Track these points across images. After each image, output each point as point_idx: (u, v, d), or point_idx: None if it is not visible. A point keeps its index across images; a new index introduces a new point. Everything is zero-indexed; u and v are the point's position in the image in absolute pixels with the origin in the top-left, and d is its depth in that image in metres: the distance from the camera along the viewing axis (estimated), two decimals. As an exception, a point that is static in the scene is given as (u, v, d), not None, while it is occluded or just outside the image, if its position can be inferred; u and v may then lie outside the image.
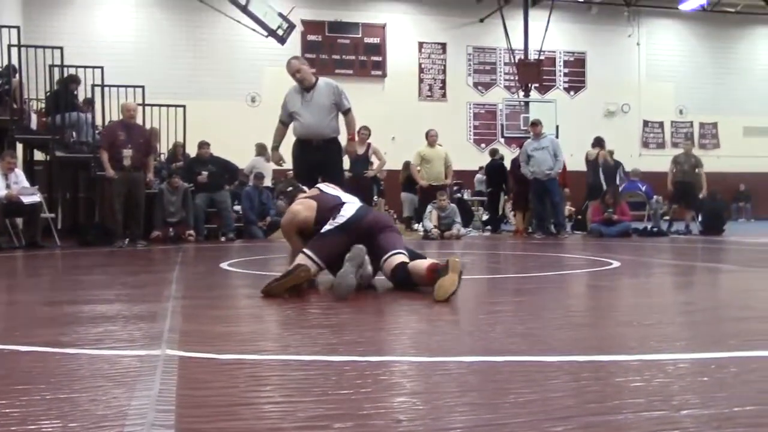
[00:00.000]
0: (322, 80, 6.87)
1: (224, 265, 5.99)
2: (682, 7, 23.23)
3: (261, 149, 13.31)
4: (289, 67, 6.69)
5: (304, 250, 4.15)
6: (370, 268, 4.04)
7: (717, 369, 2.05)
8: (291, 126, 6.88)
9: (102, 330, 2.78)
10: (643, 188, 13.03)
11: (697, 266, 6.14)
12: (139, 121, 10.24)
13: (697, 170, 12.78)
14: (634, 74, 23.79)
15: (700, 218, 12.90)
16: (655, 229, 12.03)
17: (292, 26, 13.43)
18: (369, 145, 11.17)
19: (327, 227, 4.17)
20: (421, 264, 3.88)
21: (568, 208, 13.99)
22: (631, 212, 12.01)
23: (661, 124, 24.10)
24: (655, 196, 13.06)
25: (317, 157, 6.62)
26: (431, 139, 12.03)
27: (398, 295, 3.85)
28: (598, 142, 13.10)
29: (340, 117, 6.87)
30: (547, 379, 1.93)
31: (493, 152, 15.51)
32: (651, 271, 5.71)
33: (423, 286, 3.78)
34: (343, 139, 7.01)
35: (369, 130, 11.18)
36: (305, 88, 6.67)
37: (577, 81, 23.42)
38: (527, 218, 12.42)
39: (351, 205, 4.31)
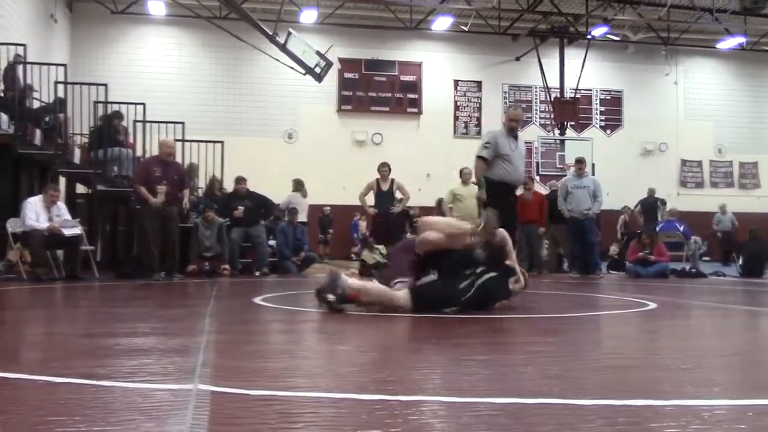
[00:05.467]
0: (519, 134, 7.51)
1: (258, 300, 6.02)
2: (720, 45, 23.08)
3: (297, 185, 13.44)
4: (517, 114, 7.23)
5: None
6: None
7: (755, 416, 2.00)
8: (475, 166, 7.49)
9: (136, 363, 2.81)
10: (681, 228, 12.85)
11: (737, 309, 6.02)
12: (178, 156, 10.41)
13: None
14: (672, 113, 23.62)
15: (740, 260, 12.65)
16: (693, 270, 11.82)
17: (329, 64, 13.61)
18: (392, 180, 11.25)
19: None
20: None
21: (612, 248, 13.82)
22: (669, 252, 11.83)
23: (699, 164, 23.83)
24: (693, 237, 12.86)
25: (512, 201, 7.24)
26: (465, 176, 12.03)
27: (430, 332, 3.83)
28: None
29: None
30: (579, 423, 1.90)
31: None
32: (688, 314, 5.61)
33: None
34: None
35: (389, 166, 11.28)
36: (514, 135, 7.16)
37: (613, 119, 23.32)
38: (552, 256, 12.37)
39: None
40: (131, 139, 11.61)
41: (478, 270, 4.88)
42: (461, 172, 12.13)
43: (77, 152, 11.83)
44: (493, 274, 4.90)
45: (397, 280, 4.91)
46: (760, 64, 24.08)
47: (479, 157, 7.34)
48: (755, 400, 2.21)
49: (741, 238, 15.70)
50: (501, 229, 5.28)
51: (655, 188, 16.56)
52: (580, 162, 11.79)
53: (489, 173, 7.20)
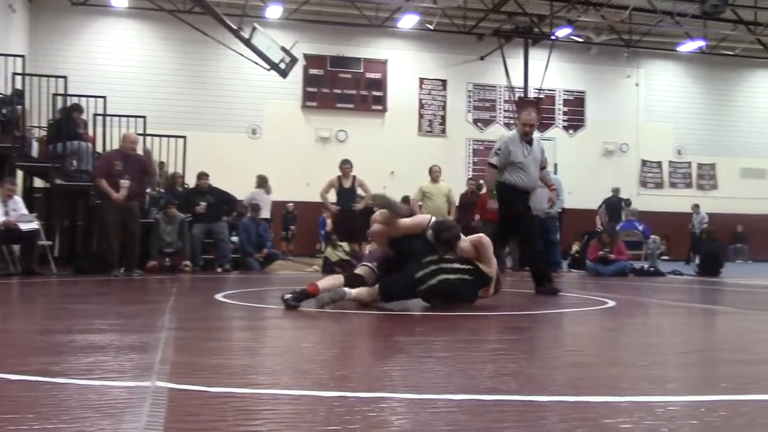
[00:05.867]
0: (535, 135, 7.21)
1: (219, 297, 5.97)
2: (681, 49, 23.49)
3: (261, 181, 13.35)
4: (530, 119, 7.02)
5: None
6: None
7: (707, 412, 2.05)
8: (486, 173, 7.42)
9: (93, 360, 2.77)
10: (641, 228, 13.05)
11: (693, 307, 6.13)
12: (139, 151, 10.27)
13: None
14: (633, 114, 23.97)
15: (697, 259, 12.89)
16: (651, 269, 12.02)
17: (294, 60, 13.54)
18: (354, 177, 11.22)
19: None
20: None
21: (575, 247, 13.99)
22: (628, 251, 12.01)
23: (659, 164, 24.22)
24: (652, 236, 13.08)
25: (527, 206, 6.99)
26: (434, 174, 12.07)
27: (391, 330, 3.84)
28: None
29: None
30: (536, 419, 1.93)
31: (479, 188, 15.56)
32: (646, 312, 5.70)
33: None
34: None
35: (351, 164, 11.25)
36: (528, 140, 6.92)
37: (576, 120, 23.59)
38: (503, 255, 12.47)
39: None
40: (91, 133, 11.43)
41: (446, 265, 4.94)
42: (430, 170, 12.17)
43: (35, 145, 11.60)
44: (466, 276, 4.97)
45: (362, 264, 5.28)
46: (719, 67, 24.55)
47: (490, 164, 7.19)
48: (707, 396, 2.26)
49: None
50: (483, 236, 5.38)
51: (620, 188, 16.83)
52: None
53: (502, 178, 7.03)
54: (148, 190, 9.75)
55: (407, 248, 5.13)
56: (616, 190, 16.44)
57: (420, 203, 12.07)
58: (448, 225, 5.42)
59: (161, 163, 12.45)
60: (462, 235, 5.28)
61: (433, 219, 5.37)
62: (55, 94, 10.76)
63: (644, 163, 24.04)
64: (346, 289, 4.82)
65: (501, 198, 7.15)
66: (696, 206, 20.95)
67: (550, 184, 7.55)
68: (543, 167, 7.15)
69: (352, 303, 4.81)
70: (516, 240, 11.55)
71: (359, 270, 5.24)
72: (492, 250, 5.33)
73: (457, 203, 12.42)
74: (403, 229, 5.23)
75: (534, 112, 7.44)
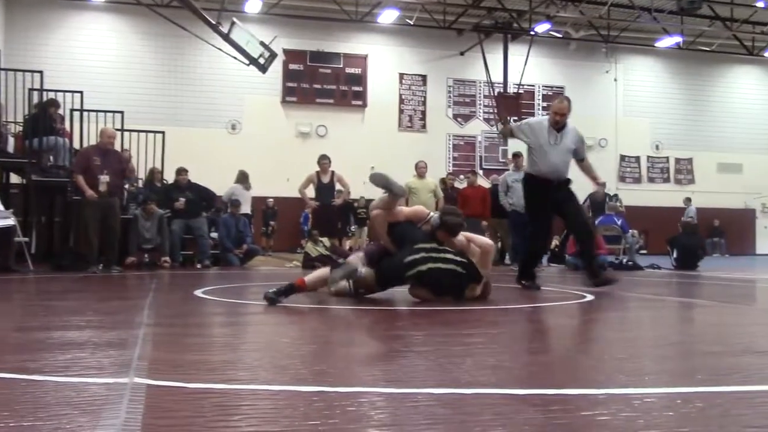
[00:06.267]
0: (571, 125, 6.96)
1: (198, 293, 5.94)
2: (659, 44, 23.70)
3: (242, 177, 13.30)
4: (562, 107, 6.66)
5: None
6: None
7: (682, 403, 2.07)
8: (512, 161, 7.08)
9: (70, 357, 2.75)
10: (619, 222, 13.14)
11: (671, 301, 6.19)
12: (117, 146, 10.20)
13: None
14: (612, 109, 24.14)
15: (675, 254, 13.02)
16: (630, 263, 12.12)
17: (273, 55, 13.47)
18: (333, 173, 11.20)
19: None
20: None
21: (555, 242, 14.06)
22: (606, 246, 12.10)
23: (637, 159, 24.43)
24: (630, 230, 13.18)
25: (557, 196, 6.65)
26: (420, 170, 12.08)
27: (371, 324, 3.85)
28: None
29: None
30: (514, 413, 1.94)
31: (471, 183, 15.61)
32: (624, 305, 5.75)
33: None
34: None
35: (329, 159, 11.22)
36: (558, 128, 6.71)
37: (555, 115, 23.67)
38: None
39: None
40: (68, 129, 11.31)
41: (438, 254, 4.97)
42: (416, 165, 12.17)
43: (11, 141, 11.45)
44: (458, 269, 4.97)
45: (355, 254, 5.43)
46: (696, 63, 24.79)
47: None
48: (683, 388, 2.29)
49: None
50: (491, 243, 5.43)
51: (605, 182, 16.91)
52: (517, 156, 11.98)
53: (527, 168, 6.91)
54: (126, 186, 9.70)
55: (402, 234, 5.19)
56: (602, 184, 16.53)
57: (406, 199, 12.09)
58: (456, 211, 5.48)
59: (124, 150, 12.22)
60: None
61: (433, 215, 5.45)
62: (31, 89, 10.64)
63: (623, 158, 24.23)
64: (359, 266, 4.90)
65: (524, 192, 7.04)
66: (688, 200, 21.20)
67: (595, 176, 7.26)
68: (581, 159, 6.94)
69: (333, 297, 4.80)
70: (515, 233, 11.63)
71: (350, 259, 5.24)
72: (492, 254, 5.39)
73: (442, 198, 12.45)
74: (402, 215, 5.27)
75: (566, 101, 6.96)
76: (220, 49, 13.68)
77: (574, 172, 6.97)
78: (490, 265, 5.34)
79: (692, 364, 2.92)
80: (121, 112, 11.19)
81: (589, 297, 5.88)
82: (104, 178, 8.92)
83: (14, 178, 12.47)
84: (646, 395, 2.18)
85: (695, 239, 12.92)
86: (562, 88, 23.68)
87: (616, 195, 17.86)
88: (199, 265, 10.85)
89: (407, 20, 21.81)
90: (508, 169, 12.19)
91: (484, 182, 16.60)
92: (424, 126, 22.57)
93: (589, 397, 2.14)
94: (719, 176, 24.71)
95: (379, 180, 5.26)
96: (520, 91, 22.41)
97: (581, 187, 7.49)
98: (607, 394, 2.17)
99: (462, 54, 22.69)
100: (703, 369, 2.74)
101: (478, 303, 5.13)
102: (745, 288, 8.39)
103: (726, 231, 23.75)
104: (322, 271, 5.11)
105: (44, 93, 10.78)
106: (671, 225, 16.34)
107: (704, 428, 1.80)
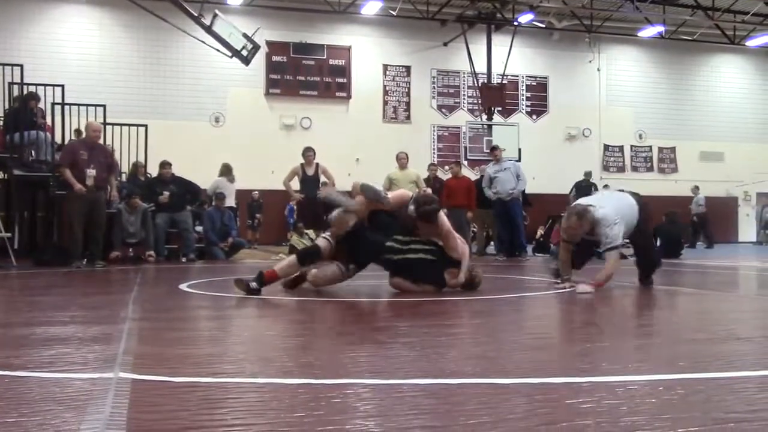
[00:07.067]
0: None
1: (183, 287, 5.93)
2: (641, 34, 23.78)
3: (225, 169, 13.24)
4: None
5: None
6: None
7: (665, 390, 2.09)
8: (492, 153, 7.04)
9: (54, 352, 2.74)
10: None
11: (654, 288, 6.24)
12: (100, 140, 10.12)
13: None
14: (595, 99, 24.21)
15: (658, 242, 13.09)
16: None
17: (256, 47, 13.40)
18: (318, 165, 11.18)
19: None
20: None
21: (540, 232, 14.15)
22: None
23: (621, 149, 24.52)
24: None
25: None
26: (401, 162, 12.06)
27: (356, 316, 3.85)
28: None
29: None
30: (499, 402, 1.95)
31: (456, 174, 15.64)
32: (608, 294, 5.78)
33: None
34: None
35: (314, 151, 11.20)
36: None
37: (539, 105, 23.75)
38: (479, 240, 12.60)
39: None
40: (49, 123, 11.21)
41: (415, 245, 5.02)
42: (397, 156, 12.17)
43: (-8, 135, 11.35)
44: (429, 257, 5.05)
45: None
46: (678, 52, 24.89)
47: None
48: (666, 375, 2.31)
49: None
50: (456, 236, 5.44)
51: (591, 171, 17.07)
52: (494, 149, 12.06)
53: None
54: (113, 189, 9.65)
55: (380, 222, 5.25)
56: (588, 174, 16.70)
57: (388, 190, 12.07)
58: (431, 199, 5.52)
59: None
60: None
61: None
62: (11, 83, 10.53)
63: (606, 147, 24.32)
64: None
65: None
66: (696, 188, 21.20)
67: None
68: None
69: (318, 289, 4.81)
70: (500, 223, 11.67)
71: (318, 241, 5.30)
72: (456, 242, 5.38)
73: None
74: (388, 205, 5.29)
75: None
76: (202, 42, 13.58)
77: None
78: (462, 247, 5.38)
79: (675, 351, 2.95)
80: (103, 106, 11.09)
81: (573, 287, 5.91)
82: (91, 172, 8.89)
83: (-5, 174, 12.35)
84: (629, 383, 2.20)
85: (677, 228, 13.01)
86: (545, 78, 23.73)
87: (606, 185, 17.96)
88: (184, 259, 10.81)
89: (390, 11, 21.74)
90: (492, 160, 12.23)
91: (469, 173, 16.64)
92: (408, 117, 22.54)
93: (573, 385, 2.16)
94: (701, 165, 24.86)
95: (368, 193, 5.30)
96: (504, 81, 22.41)
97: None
98: (591, 382, 2.19)
99: (445, 45, 22.66)
100: (686, 356, 2.77)
101: (465, 293, 5.15)
102: (727, 275, 8.47)
103: (709, 219, 23.85)
104: (290, 258, 5.20)
105: (24, 87, 10.68)
106: (655, 214, 16.45)
107: (687, 414, 1.82)
